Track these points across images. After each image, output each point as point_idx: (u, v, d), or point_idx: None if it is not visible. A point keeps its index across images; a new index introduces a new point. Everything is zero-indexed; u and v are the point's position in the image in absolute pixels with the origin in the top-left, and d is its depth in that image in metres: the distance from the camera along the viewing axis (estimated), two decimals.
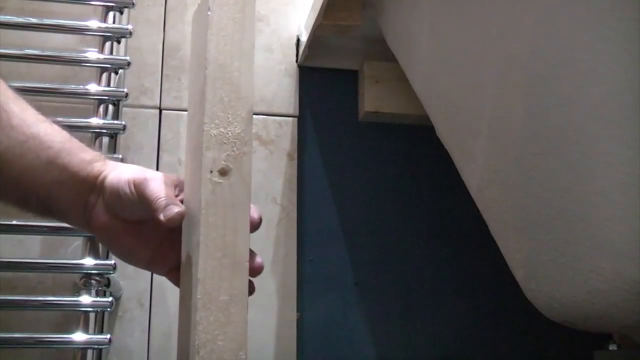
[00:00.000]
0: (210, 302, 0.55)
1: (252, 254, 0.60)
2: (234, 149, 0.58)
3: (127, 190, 0.60)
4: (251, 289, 0.60)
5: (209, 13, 0.59)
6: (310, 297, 1.10)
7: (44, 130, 0.62)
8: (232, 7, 0.60)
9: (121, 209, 0.61)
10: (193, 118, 0.63)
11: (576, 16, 0.60)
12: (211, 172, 0.57)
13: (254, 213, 0.60)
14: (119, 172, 0.62)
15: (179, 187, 0.63)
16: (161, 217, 0.58)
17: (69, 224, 0.65)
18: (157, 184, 0.60)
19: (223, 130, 0.58)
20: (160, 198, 0.58)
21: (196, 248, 0.56)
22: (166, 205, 0.58)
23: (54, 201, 0.62)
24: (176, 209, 0.58)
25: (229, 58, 0.59)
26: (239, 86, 0.58)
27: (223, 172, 0.57)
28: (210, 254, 0.56)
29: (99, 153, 0.64)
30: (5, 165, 0.59)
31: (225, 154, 0.57)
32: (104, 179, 0.62)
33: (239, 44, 0.59)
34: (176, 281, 0.64)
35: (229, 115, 0.58)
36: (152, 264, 0.65)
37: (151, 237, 0.63)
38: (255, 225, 0.60)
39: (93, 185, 0.62)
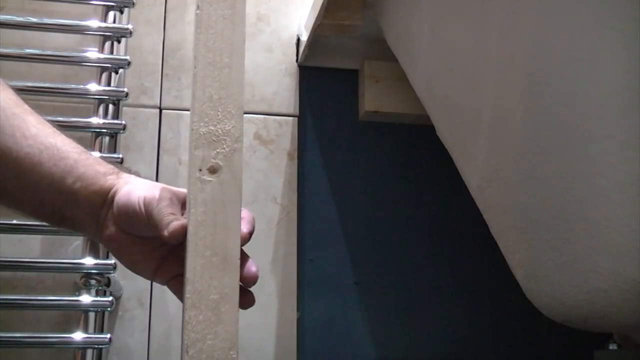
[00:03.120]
0: (200, 301, 0.54)
1: (248, 261, 0.59)
2: (224, 146, 0.57)
3: (137, 209, 0.60)
4: (250, 300, 0.60)
5: (197, 11, 0.59)
6: (310, 297, 1.10)
7: (61, 142, 0.63)
8: (222, 4, 0.59)
9: (129, 226, 0.62)
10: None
11: (576, 16, 0.60)
12: (200, 170, 0.57)
13: (244, 228, 0.59)
14: (130, 189, 0.62)
15: None
16: (165, 233, 0.58)
17: (81, 233, 0.65)
18: (165, 204, 0.60)
19: (212, 128, 0.57)
20: (165, 217, 0.59)
21: (186, 247, 0.56)
22: (169, 223, 0.58)
23: (68, 211, 0.62)
24: (178, 223, 0.58)
25: (219, 55, 0.58)
26: (229, 83, 0.58)
27: (213, 170, 0.57)
28: (199, 253, 0.55)
29: (112, 166, 0.65)
30: (23, 172, 0.60)
31: (215, 151, 0.57)
32: (115, 193, 0.62)
33: (228, 41, 0.59)
34: (176, 290, 0.64)
35: (219, 113, 0.58)
36: (156, 276, 0.65)
37: (158, 250, 0.64)
38: (244, 239, 0.59)
39: (105, 198, 0.62)
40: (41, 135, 0.62)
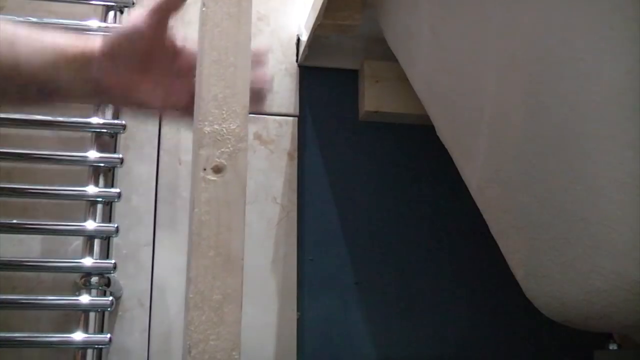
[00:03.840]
0: (202, 301, 0.54)
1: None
2: (229, 145, 0.57)
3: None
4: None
5: (203, 9, 0.59)
6: (310, 297, 1.10)
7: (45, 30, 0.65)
8: (227, 2, 0.60)
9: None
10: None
11: (576, 16, 0.60)
12: (204, 169, 0.57)
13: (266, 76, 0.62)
14: None
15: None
16: None
17: (77, 102, 0.65)
18: None
19: (217, 127, 0.57)
20: None
21: (189, 247, 0.56)
22: None
23: (55, 82, 0.63)
24: None
25: (224, 54, 0.59)
26: (234, 82, 0.58)
27: (217, 170, 0.57)
28: (202, 253, 0.55)
29: None
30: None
31: (219, 151, 0.57)
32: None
33: (234, 39, 0.59)
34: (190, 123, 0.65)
35: (224, 112, 0.58)
36: (165, 108, 0.66)
37: (160, 76, 0.65)
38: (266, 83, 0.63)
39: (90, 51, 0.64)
40: (32, 33, 0.64)
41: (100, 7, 1.07)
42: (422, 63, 0.88)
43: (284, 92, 1.16)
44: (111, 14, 1.06)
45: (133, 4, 1.06)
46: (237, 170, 0.57)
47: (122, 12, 1.07)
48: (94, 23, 1.05)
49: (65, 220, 1.02)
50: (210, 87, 0.58)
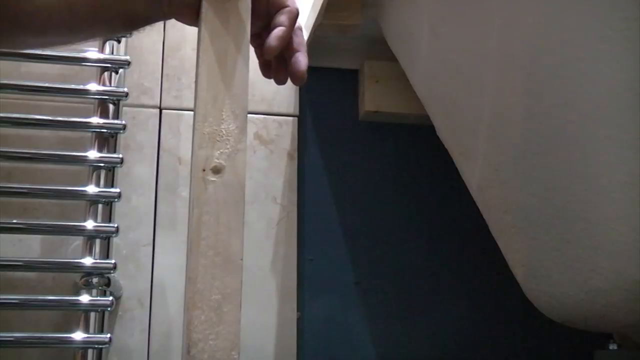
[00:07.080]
0: (202, 301, 0.55)
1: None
2: (228, 146, 0.57)
3: None
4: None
5: (202, 10, 0.59)
6: (310, 297, 1.10)
7: None
8: (227, 3, 0.60)
9: None
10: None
11: (576, 16, 0.60)
12: (204, 170, 0.57)
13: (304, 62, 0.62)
14: None
15: None
16: None
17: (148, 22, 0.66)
18: None
19: (216, 128, 0.57)
20: None
21: (188, 247, 0.56)
22: None
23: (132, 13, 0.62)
24: None
25: (223, 55, 0.59)
26: (232, 83, 0.58)
27: (216, 170, 0.57)
28: (201, 253, 0.55)
29: None
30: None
31: (218, 151, 0.57)
32: None
33: (233, 41, 0.59)
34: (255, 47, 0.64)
35: (222, 113, 0.58)
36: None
37: None
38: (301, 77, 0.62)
39: None
40: None
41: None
42: (422, 63, 0.88)
43: (284, 92, 1.16)
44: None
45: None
46: (236, 171, 0.57)
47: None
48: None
49: (65, 220, 1.02)
50: (209, 88, 0.58)
